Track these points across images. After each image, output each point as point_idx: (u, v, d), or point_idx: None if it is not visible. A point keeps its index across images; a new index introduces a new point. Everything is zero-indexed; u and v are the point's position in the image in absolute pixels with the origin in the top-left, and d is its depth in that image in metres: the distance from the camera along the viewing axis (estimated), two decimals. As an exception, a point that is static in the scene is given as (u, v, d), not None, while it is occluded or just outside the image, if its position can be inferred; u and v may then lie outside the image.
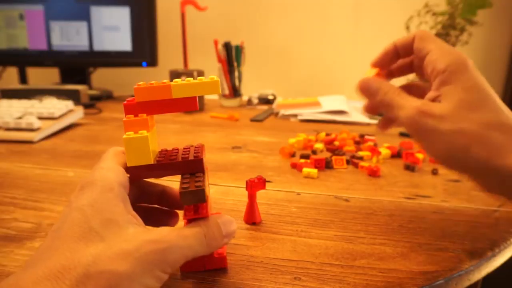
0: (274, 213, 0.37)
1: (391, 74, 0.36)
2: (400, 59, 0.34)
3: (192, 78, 0.26)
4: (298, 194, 0.42)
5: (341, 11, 1.29)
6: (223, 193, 0.42)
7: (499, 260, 0.31)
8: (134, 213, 0.23)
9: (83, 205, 0.22)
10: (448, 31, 0.79)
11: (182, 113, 0.93)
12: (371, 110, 0.34)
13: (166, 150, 0.28)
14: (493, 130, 0.24)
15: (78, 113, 0.77)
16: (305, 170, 0.48)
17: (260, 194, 0.37)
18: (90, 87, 1.18)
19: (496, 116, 0.24)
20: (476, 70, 0.26)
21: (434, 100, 0.27)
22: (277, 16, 1.32)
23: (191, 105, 0.26)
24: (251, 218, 0.35)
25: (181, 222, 0.30)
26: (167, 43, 1.26)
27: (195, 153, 0.27)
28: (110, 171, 0.24)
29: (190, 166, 0.26)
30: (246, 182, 0.34)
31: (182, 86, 0.25)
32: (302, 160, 0.52)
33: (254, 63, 1.23)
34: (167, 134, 0.71)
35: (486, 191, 0.26)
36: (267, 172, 0.49)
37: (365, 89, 0.32)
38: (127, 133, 0.25)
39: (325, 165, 0.51)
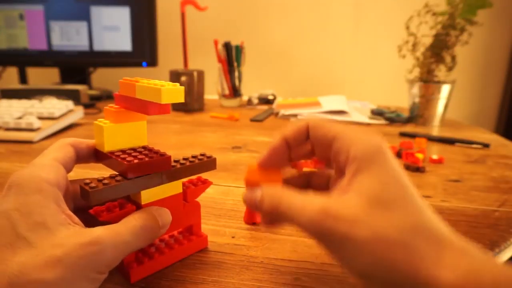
0: (274, 213, 0.37)
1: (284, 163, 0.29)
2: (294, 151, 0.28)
3: (169, 83, 0.24)
4: (298, 194, 0.42)
5: (341, 11, 1.29)
6: (223, 193, 0.42)
7: (499, 260, 0.31)
8: (69, 212, 0.22)
9: (9, 209, 0.20)
10: (448, 31, 0.79)
11: (182, 113, 0.93)
12: (266, 222, 0.26)
13: (143, 147, 0.28)
14: (418, 237, 0.19)
15: (78, 113, 0.77)
16: (305, 170, 0.48)
17: (260, 194, 0.37)
18: (90, 87, 1.18)
19: (419, 218, 0.20)
20: (393, 157, 0.22)
21: (344, 190, 0.21)
22: (277, 16, 1.32)
23: (147, 109, 0.25)
24: (251, 218, 0.35)
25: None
26: (167, 43, 1.26)
27: (149, 157, 0.25)
28: (42, 169, 0.23)
29: (119, 167, 0.25)
30: (246, 182, 0.34)
31: (142, 88, 0.25)
32: (302, 160, 0.52)
33: (254, 63, 1.24)
34: (168, 134, 0.71)
35: None
36: (267, 172, 0.49)
37: (251, 203, 0.25)
38: (99, 119, 0.27)
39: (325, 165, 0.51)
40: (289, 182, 0.29)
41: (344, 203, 0.20)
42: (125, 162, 0.24)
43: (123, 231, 0.22)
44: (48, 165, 0.23)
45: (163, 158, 0.26)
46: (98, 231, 0.21)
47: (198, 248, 0.30)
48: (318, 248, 0.30)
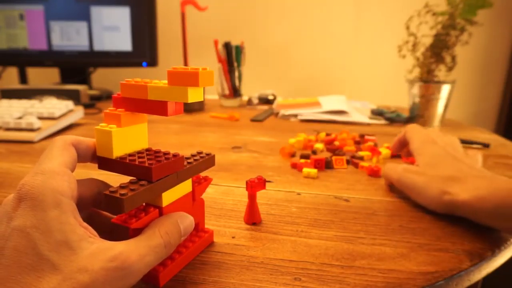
0: (274, 213, 0.37)
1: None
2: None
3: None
4: (298, 194, 0.42)
5: (341, 11, 1.29)
6: (223, 193, 0.42)
7: (499, 260, 0.31)
8: (85, 224, 0.21)
9: (26, 227, 0.19)
10: (448, 31, 0.79)
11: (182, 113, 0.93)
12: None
13: (147, 150, 0.27)
14: (447, 180, 0.36)
15: (78, 113, 0.77)
16: (305, 170, 0.48)
17: (260, 194, 0.37)
18: (90, 87, 1.18)
19: (449, 171, 0.37)
20: (438, 144, 0.41)
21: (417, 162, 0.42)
22: (277, 16, 1.32)
23: (162, 110, 0.25)
24: (251, 218, 0.35)
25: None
26: (167, 43, 1.26)
27: (165, 159, 0.25)
28: (54, 178, 0.21)
29: (140, 171, 0.24)
30: (246, 182, 0.34)
31: (156, 89, 0.25)
32: (302, 160, 0.52)
33: (254, 63, 1.24)
34: (168, 135, 0.71)
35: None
36: (267, 172, 0.49)
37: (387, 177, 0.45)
38: (101, 124, 0.26)
39: (325, 165, 0.51)
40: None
41: (414, 166, 0.41)
42: (149, 166, 0.24)
43: (148, 253, 0.21)
44: (60, 174, 0.22)
45: (178, 158, 0.26)
46: (124, 254, 0.20)
47: (207, 243, 0.31)
48: (318, 248, 0.31)
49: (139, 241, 0.22)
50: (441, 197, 0.35)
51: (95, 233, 0.21)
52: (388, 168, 0.43)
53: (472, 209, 0.33)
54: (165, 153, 0.26)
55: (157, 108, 0.25)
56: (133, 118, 0.26)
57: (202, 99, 0.25)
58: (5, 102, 0.74)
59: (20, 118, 0.68)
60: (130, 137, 0.26)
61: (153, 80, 0.26)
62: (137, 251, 0.21)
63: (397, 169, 0.41)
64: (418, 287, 0.26)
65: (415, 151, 0.42)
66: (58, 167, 0.22)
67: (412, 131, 0.46)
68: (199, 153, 0.30)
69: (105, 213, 0.28)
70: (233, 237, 0.32)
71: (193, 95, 0.24)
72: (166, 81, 0.25)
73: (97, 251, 0.20)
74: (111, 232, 0.25)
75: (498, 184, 0.33)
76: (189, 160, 0.28)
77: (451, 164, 0.38)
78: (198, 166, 0.29)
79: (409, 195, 0.39)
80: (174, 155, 0.26)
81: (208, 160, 0.30)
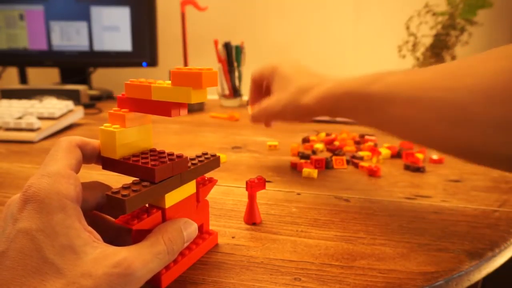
0: (274, 213, 0.37)
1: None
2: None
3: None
4: (298, 194, 0.42)
5: (341, 11, 1.29)
6: (223, 193, 0.42)
7: (499, 260, 0.31)
8: (89, 228, 0.21)
9: (32, 230, 0.19)
10: (448, 31, 0.79)
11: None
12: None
13: (152, 151, 0.27)
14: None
15: (78, 113, 0.77)
16: (305, 170, 0.48)
17: (260, 194, 0.37)
18: (90, 87, 1.18)
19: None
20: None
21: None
22: (277, 16, 1.32)
23: (166, 111, 0.25)
24: (251, 219, 0.35)
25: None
26: (167, 43, 1.26)
27: (169, 160, 0.25)
28: (60, 182, 0.21)
29: (143, 172, 0.24)
30: (246, 182, 0.34)
31: (160, 89, 0.25)
32: (302, 160, 0.52)
33: (254, 63, 1.23)
34: (168, 135, 0.71)
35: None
36: (267, 172, 0.49)
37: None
38: (105, 124, 0.25)
39: (325, 165, 0.51)
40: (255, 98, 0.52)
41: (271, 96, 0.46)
42: (152, 167, 0.23)
43: (151, 259, 0.21)
44: (66, 177, 0.22)
45: (182, 159, 0.26)
46: (128, 260, 0.20)
47: (211, 245, 0.30)
48: (318, 248, 0.31)
49: (142, 247, 0.22)
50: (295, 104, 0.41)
51: (99, 237, 0.21)
52: (255, 114, 0.47)
53: (313, 110, 0.40)
54: (169, 154, 0.26)
55: (161, 108, 0.25)
56: (138, 118, 0.26)
57: (206, 100, 0.25)
58: (5, 102, 0.74)
59: (20, 118, 0.68)
60: (134, 137, 0.26)
61: (158, 80, 0.26)
62: (141, 257, 0.21)
63: (260, 107, 0.46)
64: (418, 287, 0.26)
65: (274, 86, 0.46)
66: (64, 169, 0.22)
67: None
68: (204, 154, 0.30)
69: (108, 217, 0.28)
70: (233, 237, 0.32)
71: (197, 96, 0.24)
72: (170, 82, 0.25)
73: (100, 256, 0.20)
74: (114, 235, 0.25)
75: (331, 84, 0.38)
76: (193, 161, 0.28)
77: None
78: (203, 167, 0.28)
79: (280, 119, 0.46)
80: (178, 156, 0.26)
81: (212, 162, 0.30)
